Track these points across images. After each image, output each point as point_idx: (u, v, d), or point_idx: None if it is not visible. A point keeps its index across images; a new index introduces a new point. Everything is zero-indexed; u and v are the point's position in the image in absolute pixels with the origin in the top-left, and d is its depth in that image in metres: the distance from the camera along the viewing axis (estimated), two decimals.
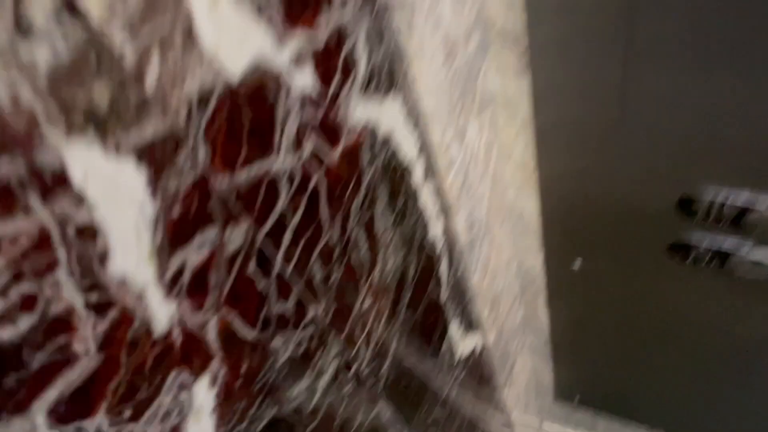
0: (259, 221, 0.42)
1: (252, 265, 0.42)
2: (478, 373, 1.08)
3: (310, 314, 0.50)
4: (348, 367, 0.58)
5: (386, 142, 0.57)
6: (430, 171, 0.69)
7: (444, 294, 0.81)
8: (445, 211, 0.76)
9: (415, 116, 0.63)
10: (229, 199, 0.39)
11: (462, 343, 0.93)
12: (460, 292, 0.88)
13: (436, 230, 0.74)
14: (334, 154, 0.49)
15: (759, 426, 1.32)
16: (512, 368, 1.37)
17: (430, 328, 0.78)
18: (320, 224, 0.49)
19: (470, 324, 0.96)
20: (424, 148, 0.66)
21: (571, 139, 0.85)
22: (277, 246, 0.44)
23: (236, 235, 0.40)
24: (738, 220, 0.82)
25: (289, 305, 0.47)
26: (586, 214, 0.97)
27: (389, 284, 0.64)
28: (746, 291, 0.94)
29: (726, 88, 0.69)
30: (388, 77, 0.55)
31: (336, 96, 0.48)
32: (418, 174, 0.66)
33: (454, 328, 0.88)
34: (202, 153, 0.36)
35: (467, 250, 0.87)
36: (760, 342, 1.05)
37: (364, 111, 0.52)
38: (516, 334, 1.31)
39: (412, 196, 0.66)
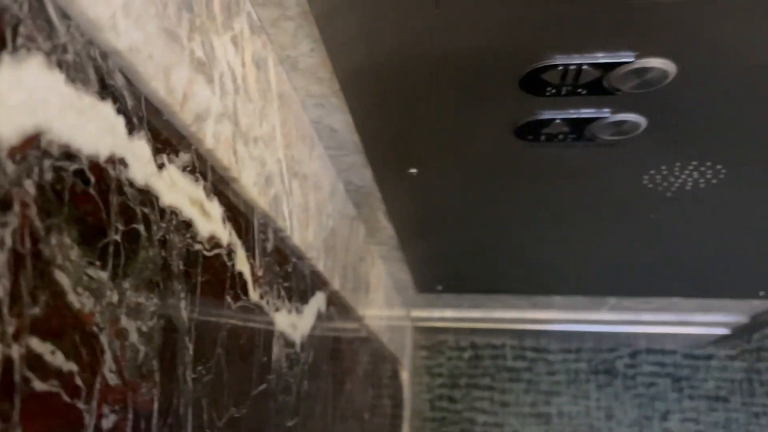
0: None
1: None
2: (330, 328, 0.88)
3: None
4: None
5: (32, 147, 0.29)
6: (167, 146, 0.41)
7: (254, 293, 0.57)
8: (219, 184, 0.50)
9: (94, 73, 0.34)
10: None
11: (300, 325, 0.71)
12: (279, 269, 0.64)
13: (210, 222, 0.48)
14: None
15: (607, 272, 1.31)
16: (368, 287, 1.20)
17: (244, 358, 0.55)
18: None
19: (304, 295, 0.74)
20: (141, 118, 0.38)
21: (368, 23, 0.59)
22: None
23: None
24: (597, 85, 0.65)
25: None
26: (410, 113, 0.74)
27: (145, 362, 0.38)
28: (605, 158, 0.80)
29: None
30: None
31: None
32: (140, 164, 0.38)
33: (283, 321, 0.65)
34: None
35: (273, 211, 0.62)
36: (617, 201, 0.95)
37: None
38: (363, 255, 1.12)
39: (140, 203, 0.38)
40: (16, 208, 0.28)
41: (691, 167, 0.83)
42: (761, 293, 1.39)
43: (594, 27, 0.58)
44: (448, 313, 1.85)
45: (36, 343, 0.29)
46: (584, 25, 0.58)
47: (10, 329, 0.27)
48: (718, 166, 0.82)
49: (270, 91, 0.60)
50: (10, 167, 0.27)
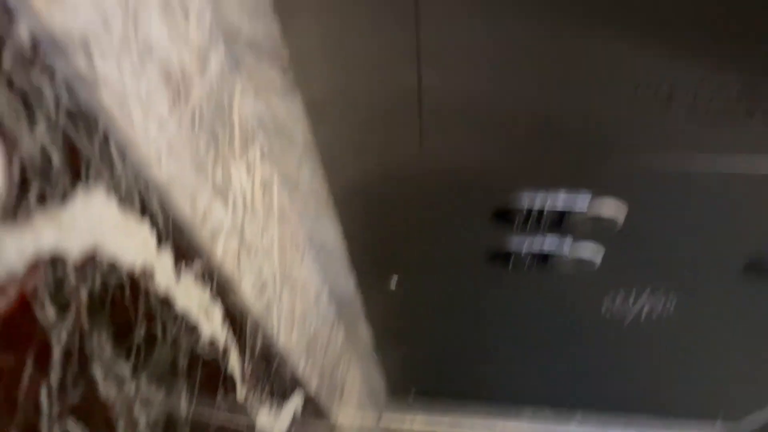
0: None
1: None
2: (305, 429, 0.91)
3: None
4: None
5: (90, 262, 0.36)
6: (186, 258, 0.48)
7: (241, 392, 0.62)
8: (222, 291, 0.56)
9: (138, 199, 0.41)
10: None
11: (277, 427, 0.75)
12: (263, 370, 0.69)
13: (211, 325, 0.54)
14: None
15: (571, 386, 1.35)
16: (342, 391, 1.23)
17: None
18: None
19: (284, 394, 0.78)
20: (168, 234, 0.45)
21: (362, 156, 0.69)
22: None
23: None
24: (558, 223, 0.73)
25: None
26: (393, 232, 0.82)
27: None
28: (568, 285, 0.88)
29: (521, 91, 0.57)
30: (68, 165, 0.33)
31: None
32: (164, 274, 0.45)
33: (263, 421, 0.69)
34: None
35: (264, 316, 0.68)
36: (581, 323, 1.02)
37: (21, 244, 0.30)
38: (340, 359, 1.17)
39: (161, 308, 0.45)
40: (73, 312, 0.34)
41: (646, 294, 0.91)
42: (721, 415, 1.44)
43: (556, 168, 0.68)
44: (420, 419, 1.85)
45: (72, 426, 0.34)
46: (548, 166, 0.68)
47: (55, 412, 0.33)
48: (671, 293, 0.91)
49: (272, 208, 0.68)
50: (72, 279, 0.34)
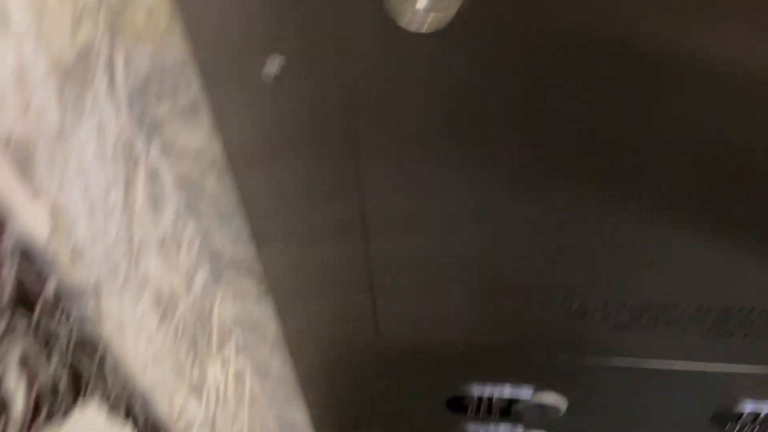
0: None
1: None
2: None
3: None
4: None
5: None
6: None
7: None
8: None
9: (124, 405, 0.49)
10: None
11: None
12: None
13: None
14: None
15: None
16: None
17: None
18: None
19: None
20: (146, 429, 0.53)
21: (326, 345, 0.77)
22: None
23: None
24: (507, 411, 0.80)
25: None
26: (358, 414, 0.89)
27: None
28: None
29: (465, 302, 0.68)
30: (71, 386, 0.42)
31: None
32: None
33: None
34: None
35: None
36: None
37: None
38: None
39: None
40: None
41: None
42: None
43: (499, 364, 0.76)
44: None
45: None
46: (491, 362, 0.76)
47: None
48: None
49: (244, 397, 0.75)
50: None
